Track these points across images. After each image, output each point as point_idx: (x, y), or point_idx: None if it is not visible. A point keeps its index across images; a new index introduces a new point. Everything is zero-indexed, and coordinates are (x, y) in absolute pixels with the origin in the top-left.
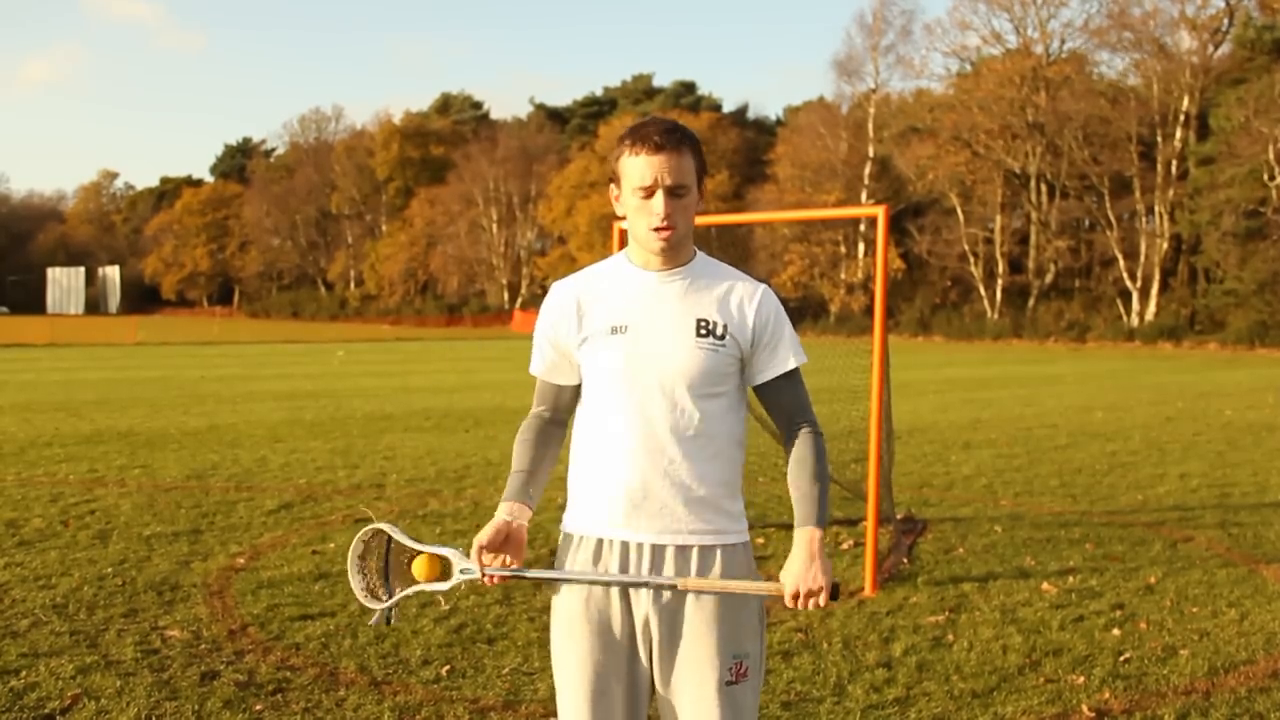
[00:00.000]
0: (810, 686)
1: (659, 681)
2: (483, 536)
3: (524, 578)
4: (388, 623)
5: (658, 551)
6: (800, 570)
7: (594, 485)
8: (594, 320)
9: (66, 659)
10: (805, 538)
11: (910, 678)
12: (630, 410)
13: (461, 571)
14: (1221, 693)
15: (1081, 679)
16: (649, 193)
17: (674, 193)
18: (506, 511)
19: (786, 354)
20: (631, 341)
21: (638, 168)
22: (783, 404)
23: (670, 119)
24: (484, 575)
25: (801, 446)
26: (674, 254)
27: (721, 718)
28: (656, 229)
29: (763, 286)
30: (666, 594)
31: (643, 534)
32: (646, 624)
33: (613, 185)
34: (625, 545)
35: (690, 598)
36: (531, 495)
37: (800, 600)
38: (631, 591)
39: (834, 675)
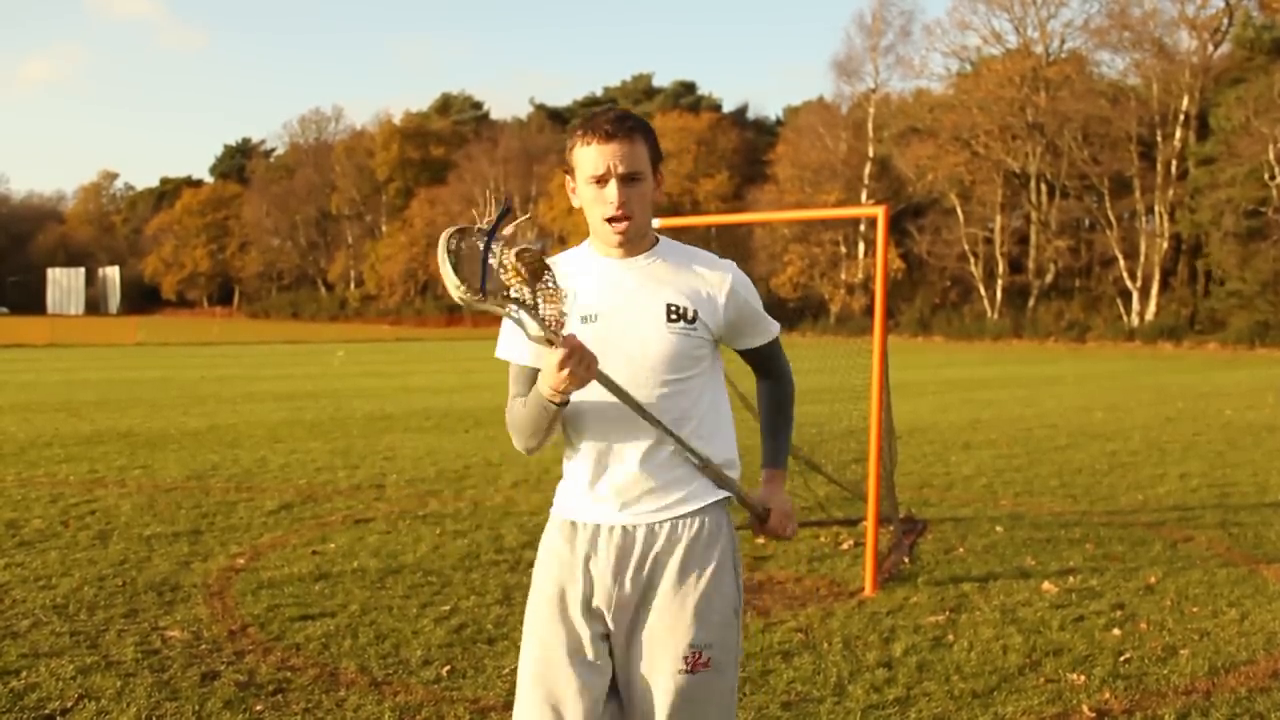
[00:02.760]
0: (810, 686)
1: (619, 667)
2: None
3: (619, 391)
4: (481, 295)
5: (628, 532)
6: (783, 508)
7: (573, 472)
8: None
9: (67, 659)
10: (779, 477)
11: (910, 678)
12: (603, 397)
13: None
14: (1222, 693)
15: (1081, 679)
16: (602, 181)
17: (627, 180)
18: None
19: (762, 330)
20: (602, 329)
21: (589, 157)
22: (760, 363)
23: (622, 109)
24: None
25: (776, 389)
26: (634, 244)
27: (671, 707)
28: (612, 219)
29: (730, 268)
30: (628, 578)
31: (616, 516)
32: (612, 604)
33: (568, 178)
34: (596, 528)
35: (655, 577)
36: None
37: (779, 524)
38: (595, 573)
39: (834, 675)
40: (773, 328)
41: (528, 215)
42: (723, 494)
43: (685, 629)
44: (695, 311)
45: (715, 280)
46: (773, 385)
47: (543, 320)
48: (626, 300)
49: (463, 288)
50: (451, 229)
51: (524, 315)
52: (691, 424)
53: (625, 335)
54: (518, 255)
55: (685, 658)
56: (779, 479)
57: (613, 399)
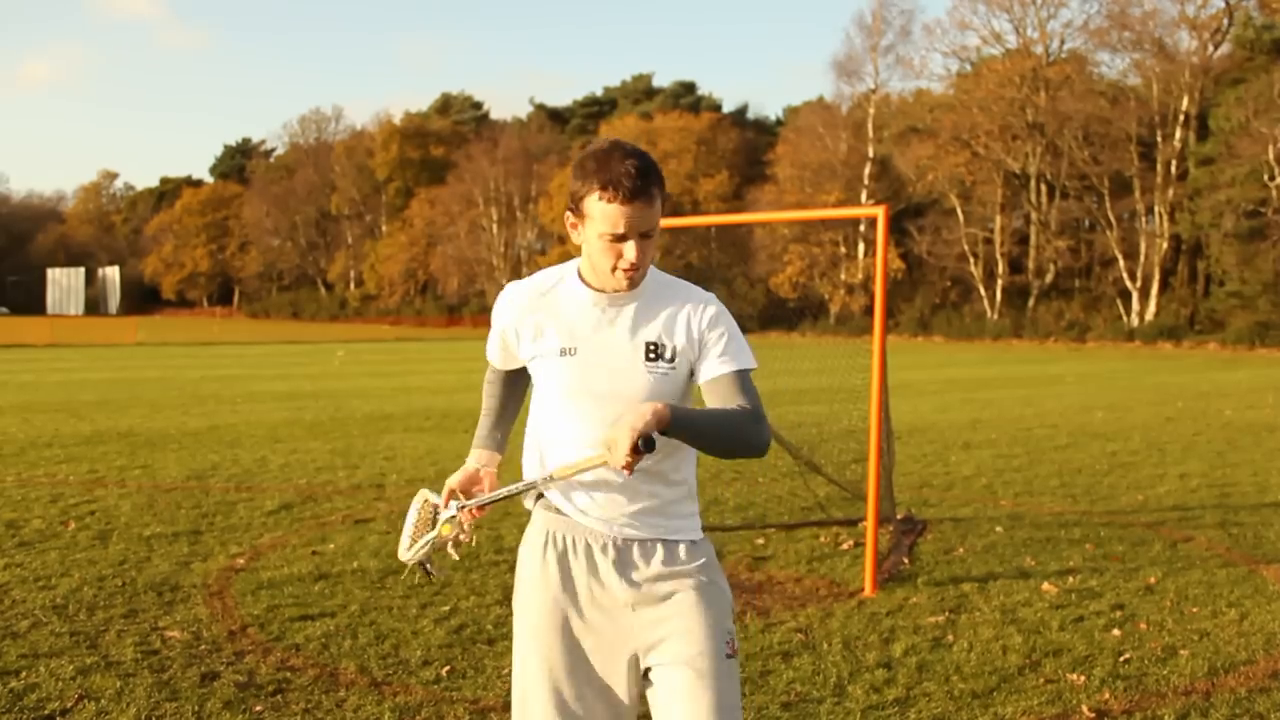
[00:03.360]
0: (810, 686)
1: (656, 670)
2: (453, 480)
3: (495, 499)
4: (427, 573)
5: (622, 547)
6: (617, 435)
7: (557, 487)
8: (543, 338)
9: (66, 660)
10: (652, 406)
11: (910, 678)
12: (579, 431)
13: (449, 512)
14: (1221, 693)
15: (1081, 679)
16: (621, 239)
17: (645, 236)
18: (475, 460)
19: (720, 361)
20: (580, 364)
21: (609, 216)
22: (718, 402)
23: (635, 152)
24: (460, 509)
25: (737, 412)
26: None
27: (718, 690)
28: (624, 270)
29: (708, 300)
30: (631, 586)
31: (609, 530)
32: (627, 616)
33: (569, 214)
34: (589, 544)
35: (671, 583)
36: (499, 440)
37: (610, 448)
38: (597, 587)
39: (834, 675)
40: (742, 358)
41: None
42: (700, 530)
43: (717, 619)
44: (674, 349)
45: (692, 310)
46: (735, 410)
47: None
48: (607, 337)
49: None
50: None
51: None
52: (671, 460)
53: (602, 372)
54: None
55: (728, 643)
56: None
57: (591, 419)
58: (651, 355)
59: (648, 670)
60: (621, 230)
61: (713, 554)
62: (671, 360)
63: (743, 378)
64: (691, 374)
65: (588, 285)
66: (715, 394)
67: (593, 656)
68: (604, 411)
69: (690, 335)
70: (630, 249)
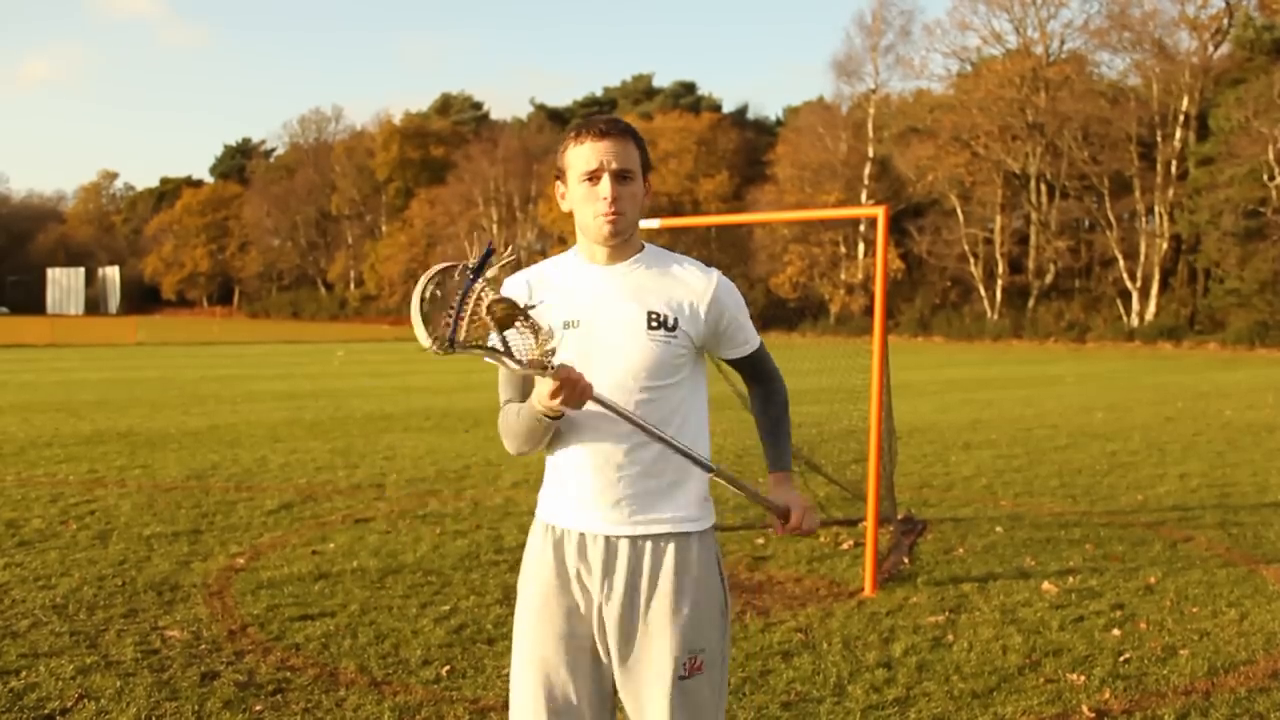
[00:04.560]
0: (810, 686)
1: (617, 675)
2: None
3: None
4: (450, 347)
5: (611, 543)
6: (803, 504)
7: (556, 477)
8: (547, 315)
9: (66, 659)
10: (788, 478)
11: (910, 678)
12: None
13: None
14: (1221, 693)
15: (1081, 679)
16: (595, 178)
17: (620, 177)
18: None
19: (741, 341)
20: (584, 336)
21: (583, 154)
22: (747, 369)
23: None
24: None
25: (768, 394)
26: (622, 245)
27: (671, 711)
28: (604, 213)
29: (715, 275)
30: (615, 588)
31: (598, 525)
32: (601, 615)
33: (559, 183)
34: (581, 536)
35: (644, 589)
36: None
37: (800, 520)
38: (582, 583)
39: (834, 675)
40: (753, 341)
41: (512, 256)
42: (707, 523)
43: (679, 637)
44: (676, 320)
45: (698, 288)
46: (764, 390)
47: (520, 363)
48: (608, 307)
49: (431, 341)
50: (433, 273)
51: (502, 359)
52: (669, 431)
53: (606, 342)
54: (488, 309)
55: (684, 664)
56: (788, 479)
57: (597, 387)
58: (654, 324)
59: (619, 671)
60: (595, 165)
61: (712, 548)
62: (673, 330)
63: (760, 351)
64: (696, 346)
65: (586, 260)
66: (740, 366)
67: (580, 644)
68: (608, 379)
69: (696, 311)
70: (605, 185)
